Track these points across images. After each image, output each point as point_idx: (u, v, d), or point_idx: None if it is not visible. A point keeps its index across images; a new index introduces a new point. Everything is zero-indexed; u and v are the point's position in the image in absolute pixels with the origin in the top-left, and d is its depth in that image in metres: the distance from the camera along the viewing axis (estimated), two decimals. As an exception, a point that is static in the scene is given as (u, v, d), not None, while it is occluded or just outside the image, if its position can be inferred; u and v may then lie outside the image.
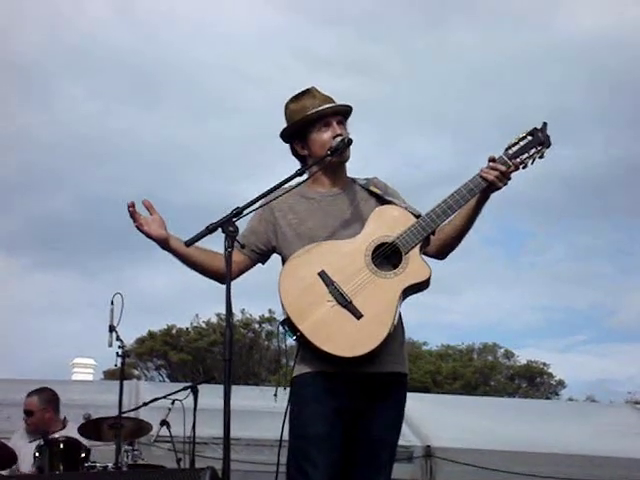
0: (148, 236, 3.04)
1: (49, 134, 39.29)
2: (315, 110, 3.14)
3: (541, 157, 3.08)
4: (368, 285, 2.93)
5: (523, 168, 3.06)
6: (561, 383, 30.48)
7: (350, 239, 3.03)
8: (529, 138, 3.07)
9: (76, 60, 40.61)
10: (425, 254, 3.09)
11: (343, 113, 3.21)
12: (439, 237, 3.11)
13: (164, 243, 3.06)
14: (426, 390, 22.87)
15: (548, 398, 27.94)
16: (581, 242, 43.79)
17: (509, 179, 3.03)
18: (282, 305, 2.94)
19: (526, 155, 3.05)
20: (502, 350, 31.19)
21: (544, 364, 30.44)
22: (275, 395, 3.00)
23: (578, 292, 44.60)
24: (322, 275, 2.94)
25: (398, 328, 3.07)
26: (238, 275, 3.13)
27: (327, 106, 3.16)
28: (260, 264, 3.22)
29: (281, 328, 2.96)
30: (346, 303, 2.90)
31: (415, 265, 2.97)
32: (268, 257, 3.22)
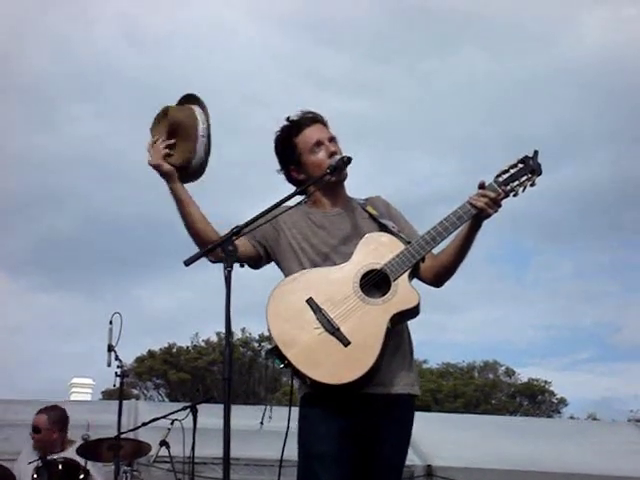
0: (156, 165, 3.05)
1: (53, 154, 39.47)
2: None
3: (532, 185, 3.04)
4: (356, 312, 2.89)
5: (514, 196, 3.02)
6: (563, 401, 30.41)
7: (339, 265, 3.00)
8: (520, 166, 3.04)
9: (81, 81, 40.85)
10: (421, 280, 3.09)
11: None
12: (434, 265, 3.09)
13: (171, 178, 3.06)
14: (427, 408, 22.77)
15: (550, 416, 27.84)
16: (586, 259, 43.92)
17: (499, 206, 2.99)
18: (269, 332, 2.91)
19: (517, 182, 3.02)
20: (503, 368, 31.14)
21: (545, 382, 30.40)
22: (262, 424, 2.98)
23: (582, 310, 44.69)
24: (310, 302, 2.91)
25: (405, 349, 3.07)
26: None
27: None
28: (253, 267, 3.15)
29: (269, 357, 2.94)
30: (333, 330, 2.86)
31: (404, 292, 2.93)
32: (263, 259, 3.15)
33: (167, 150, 3.07)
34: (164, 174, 3.06)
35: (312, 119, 3.20)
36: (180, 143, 3.09)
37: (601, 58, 39.37)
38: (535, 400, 30.29)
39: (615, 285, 46.05)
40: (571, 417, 27.08)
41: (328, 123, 3.24)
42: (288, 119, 3.21)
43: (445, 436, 8.39)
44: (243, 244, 3.04)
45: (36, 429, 5.80)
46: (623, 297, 43.32)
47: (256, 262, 3.16)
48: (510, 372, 31.07)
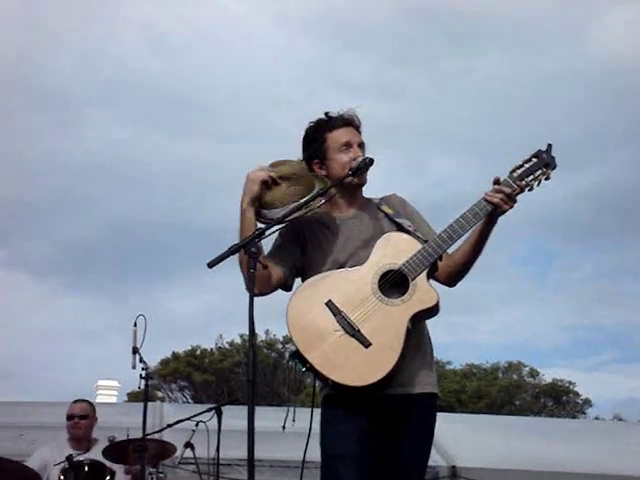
0: (253, 179, 3.00)
1: (80, 160, 39.73)
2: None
3: (547, 179, 3.04)
4: (376, 313, 2.90)
5: (529, 190, 3.02)
6: (588, 402, 30.18)
7: (357, 267, 3.00)
8: (534, 160, 3.04)
9: (107, 88, 41.12)
10: (435, 280, 3.07)
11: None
12: (448, 264, 3.08)
13: (252, 200, 3.00)
14: (451, 409, 22.74)
15: (574, 417, 27.66)
16: (609, 260, 43.55)
17: (515, 202, 2.99)
18: (290, 337, 2.92)
19: (531, 177, 3.02)
20: (527, 369, 30.97)
21: (570, 383, 30.18)
22: (284, 427, 2.97)
23: (606, 311, 44.37)
24: (329, 305, 2.92)
25: (426, 349, 3.08)
26: (273, 290, 3.08)
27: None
28: (285, 288, 3.14)
29: (292, 361, 2.94)
30: (354, 332, 2.87)
31: (422, 291, 2.93)
32: (293, 281, 3.17)
33: (269, 179, 3.01)
34: (250, 192, 3.00)
35: (348, 121, 3.21)
36: (282, 189, 3.03)
37: (622, 60, 39.08)
38: (560, 401, 30.10)
39: (637, 285, 45.63)
40: (596, 418, 26.89)
41: (362, 130, 3.24)
42: (326, 114, 3.22)
43: (469, 437, 8.37)
44: (276, 274, 3.05)
45: (83, 416, 5.90)
46: (646, 298, 42.84)
47: (288, 286, 3.14)
48: (534, 373, 30.88)
